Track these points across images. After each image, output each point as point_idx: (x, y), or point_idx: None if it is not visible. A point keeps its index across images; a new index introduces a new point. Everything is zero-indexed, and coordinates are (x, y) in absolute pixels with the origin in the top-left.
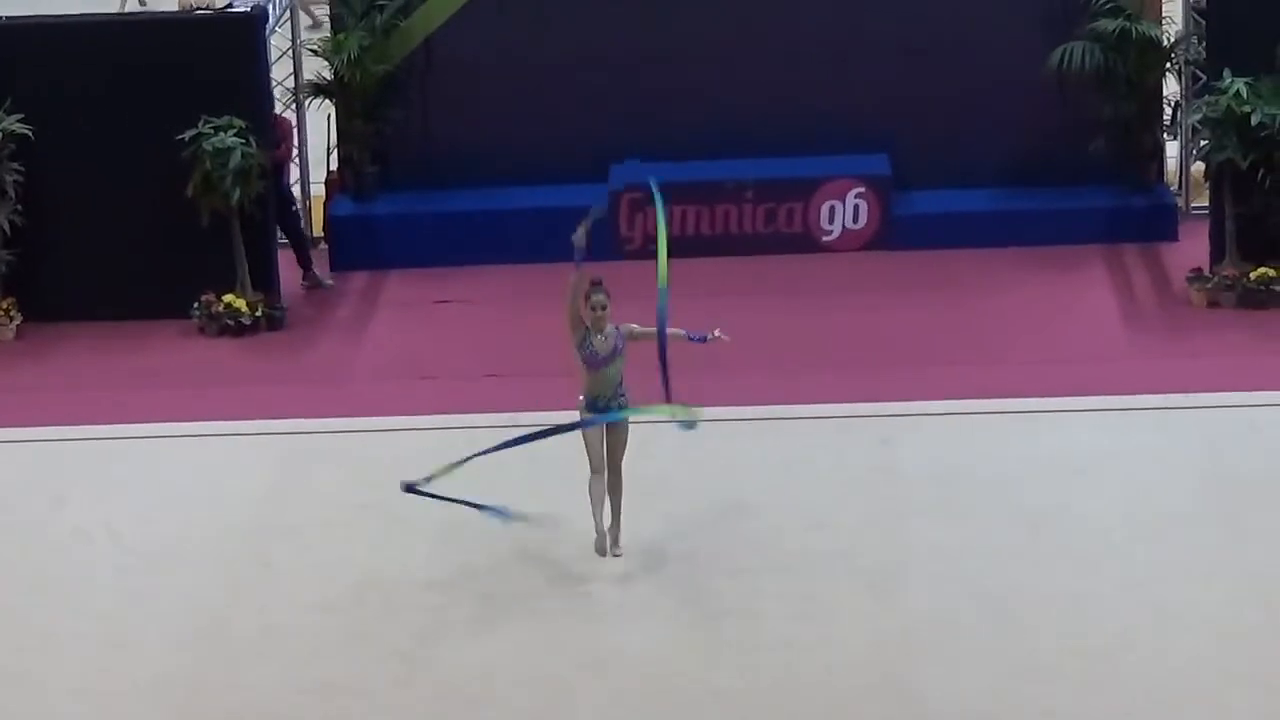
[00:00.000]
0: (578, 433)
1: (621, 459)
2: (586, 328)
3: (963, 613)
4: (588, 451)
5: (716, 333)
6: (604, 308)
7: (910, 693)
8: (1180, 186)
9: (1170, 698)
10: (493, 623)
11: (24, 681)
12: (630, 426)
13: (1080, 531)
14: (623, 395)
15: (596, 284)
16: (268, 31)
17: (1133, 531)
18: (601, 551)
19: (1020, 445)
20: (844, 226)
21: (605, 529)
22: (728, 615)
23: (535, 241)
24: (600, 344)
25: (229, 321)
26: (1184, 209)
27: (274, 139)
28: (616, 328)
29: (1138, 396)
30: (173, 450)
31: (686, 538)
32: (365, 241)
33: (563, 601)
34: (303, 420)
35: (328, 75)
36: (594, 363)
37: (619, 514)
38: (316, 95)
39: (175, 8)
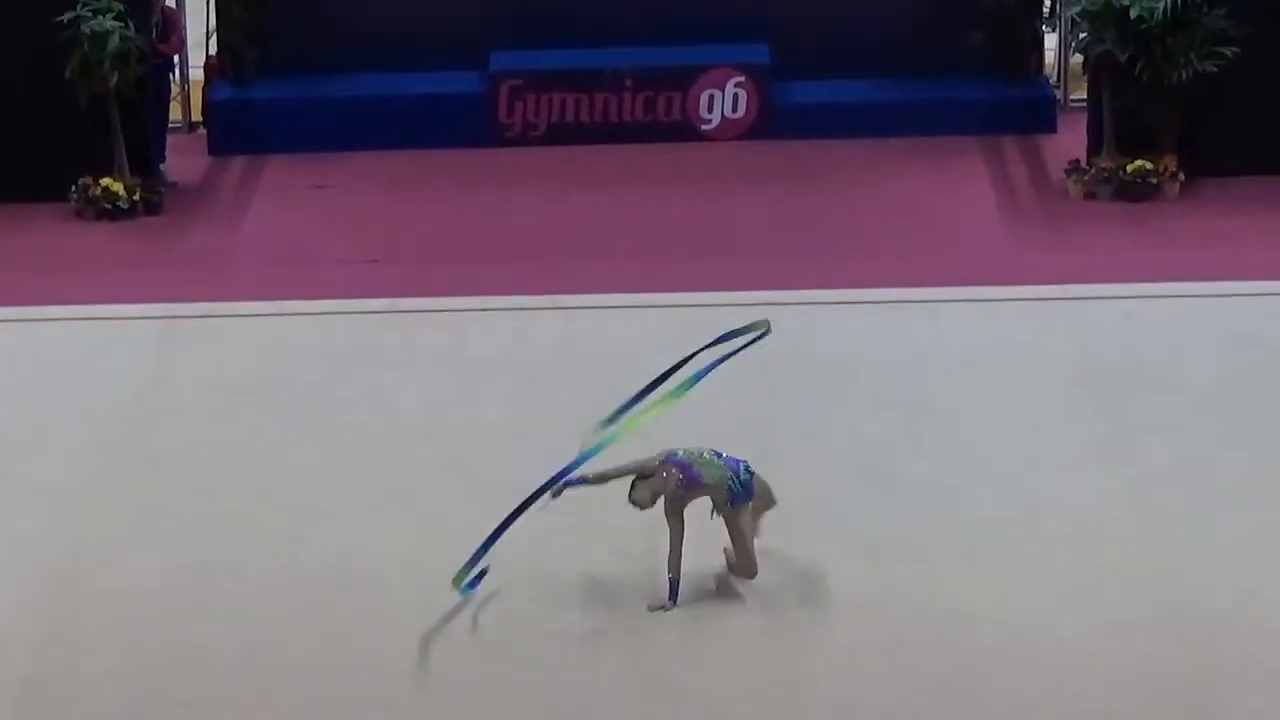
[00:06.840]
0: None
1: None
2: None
3: (836, 492)
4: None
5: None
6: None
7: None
8: (1059, 79)
9: (1040, 588)
10: (369, 509)
11: None
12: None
13: (953, 421)
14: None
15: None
16: None
17: (1005, 422)
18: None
19: (895, 335)
20: (723, 115)
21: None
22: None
23: (414, 127)
24: (679, 490)
25: (106, 205)
26: (1062, 101)
27: (164, 33)
28: (665, 472)
29: (1014, 287)
30: (48, 334)
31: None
32: (244, 127)
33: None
34: (181, 304)
35: None
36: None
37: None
38: None
39: None
